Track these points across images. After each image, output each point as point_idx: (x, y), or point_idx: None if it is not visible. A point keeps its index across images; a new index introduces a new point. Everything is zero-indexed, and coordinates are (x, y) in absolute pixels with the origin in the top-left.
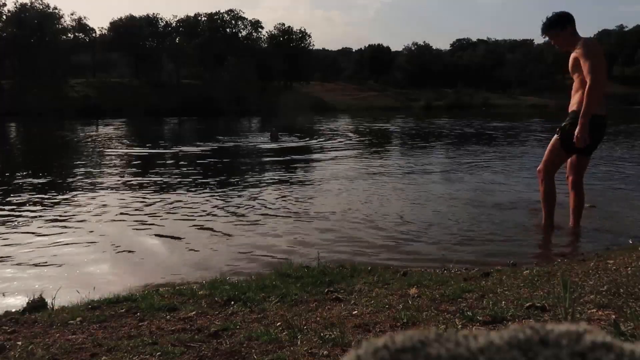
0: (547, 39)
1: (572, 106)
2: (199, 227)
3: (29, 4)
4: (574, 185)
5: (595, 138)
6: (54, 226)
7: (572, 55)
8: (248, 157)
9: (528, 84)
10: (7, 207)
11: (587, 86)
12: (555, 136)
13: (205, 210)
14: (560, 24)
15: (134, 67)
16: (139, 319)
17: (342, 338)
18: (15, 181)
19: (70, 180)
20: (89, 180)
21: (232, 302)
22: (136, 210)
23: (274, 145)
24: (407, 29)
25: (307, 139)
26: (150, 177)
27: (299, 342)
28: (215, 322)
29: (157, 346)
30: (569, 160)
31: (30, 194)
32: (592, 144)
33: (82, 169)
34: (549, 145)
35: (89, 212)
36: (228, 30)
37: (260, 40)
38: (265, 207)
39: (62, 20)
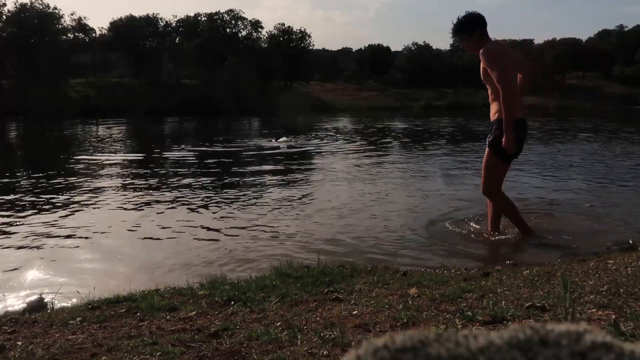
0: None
1: (493, 116)
2: (198, 227)
3: (29, 4)
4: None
5: (520, 142)
6: (53, 226)
7: (482, 64)
8: (250, 158)
9: (528, 84)
10: (6, 207)
11: (501, 96)
12: (488, 150)
13: (206, 211)
14: (467, 29)
15: (134, 67)
16: (139, 319)
17: (342, 338)
18: (14, 182)
19: (69, 180)
20: (88, 181)
21: (232, 302)
22: (136, 210)
23: (277, 146)
24: (407, 29)
25: (308, 139)
26: (150, 177)
27: (299, 342)
28: (215, 322)
29: (157, 346)
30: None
31: (29, 195)
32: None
33: (82, 170)
34: (484, 162)
35: (89, 212)
36: (228, 30)
37: (260, 40)
38: (266, 207)
39: (62, 20)
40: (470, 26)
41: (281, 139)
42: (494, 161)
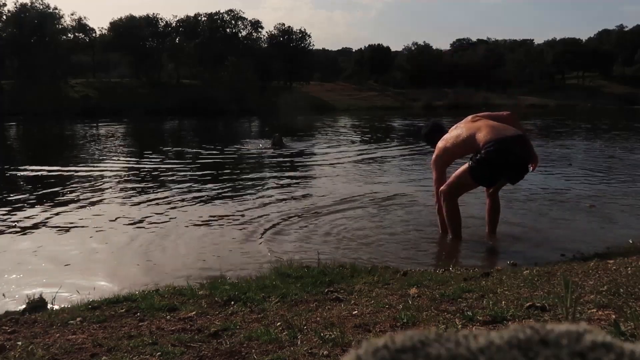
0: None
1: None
2: (198, 228)
3: (29, 4)
4: (490, 195)
5: (507, 161)
6: (53, 226)
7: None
8: (248, 161)
9: (528, 84)
10: (6, 208)
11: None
12: (467, 164)
13: (205, 212)
14: (427, 142)
15: (134, 67)
16: (139, 319)
17: (342, 338)
18: (14, 182)
19: (69, 181)
20: (88, 182)
21: (232, 302)
22: (136, 211)
23: (274, 149)
24: (407, 29)
25: (308, 140)
26: (150, 179)
27: (299, 342)
28: (215, 322)
29: (157, 346)
30: None
31: (29, 195)
32: (509, 171)
33: (82, 171)
34: (459, 169)
35: (89, 212)
36: (228, 30)
37: (260, 41)
38: (265, 208)
39: (62, 20)
40: (427, 141)
41: (278, 144)
42: (466, 173)
